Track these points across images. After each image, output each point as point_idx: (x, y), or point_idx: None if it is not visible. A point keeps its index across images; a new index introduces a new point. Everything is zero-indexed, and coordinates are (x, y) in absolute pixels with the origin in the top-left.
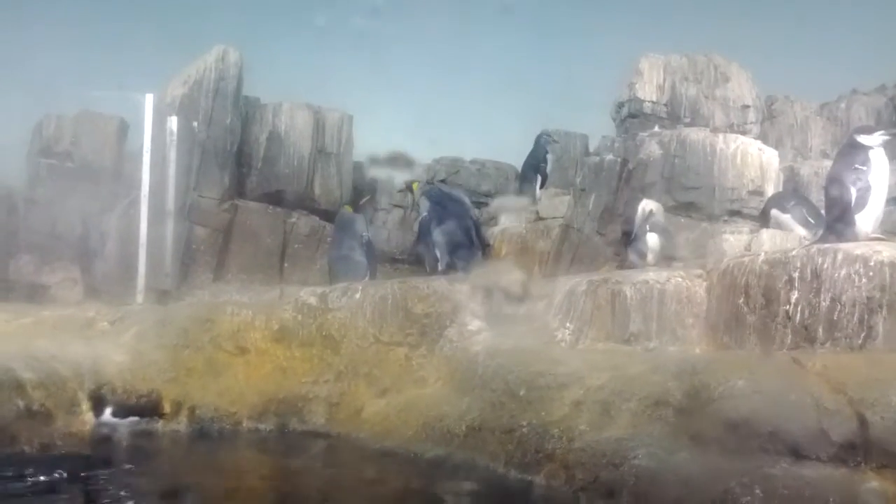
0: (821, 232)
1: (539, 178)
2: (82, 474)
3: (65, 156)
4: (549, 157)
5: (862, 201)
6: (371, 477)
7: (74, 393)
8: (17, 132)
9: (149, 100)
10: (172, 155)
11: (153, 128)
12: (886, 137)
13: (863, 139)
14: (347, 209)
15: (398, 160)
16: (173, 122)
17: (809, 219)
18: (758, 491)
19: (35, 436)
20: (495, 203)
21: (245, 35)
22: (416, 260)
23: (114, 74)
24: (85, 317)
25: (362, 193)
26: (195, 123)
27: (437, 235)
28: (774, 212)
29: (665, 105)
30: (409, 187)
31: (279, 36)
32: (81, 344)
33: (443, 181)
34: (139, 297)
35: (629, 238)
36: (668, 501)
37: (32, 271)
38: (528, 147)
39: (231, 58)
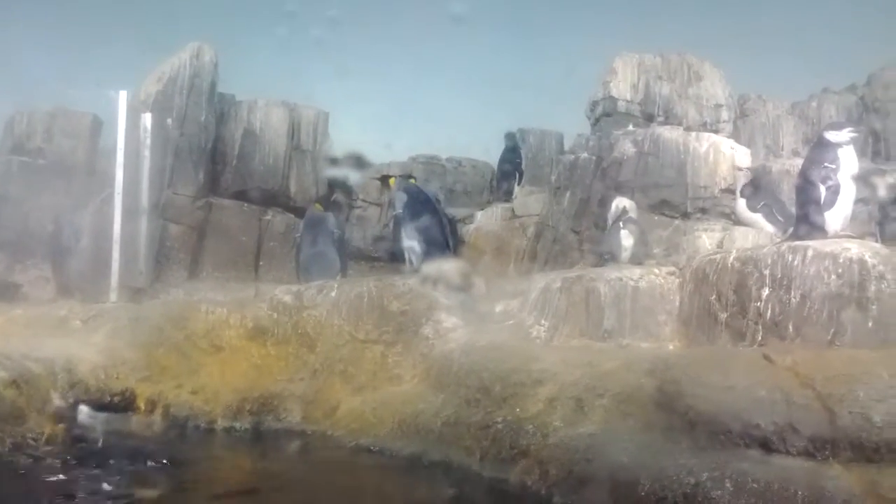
0: (791, 229)
1: (518, 176)
2: (54, 475)
3: (37, 153)
4: (524, 153)
5: (831, 199)
6: (346, 474)
7: (47, 392)
8: None
9: (122, 97)
10: (146, 152)
11: (127, 125)
12: (854, 134)
13: (832, 136)
14: (317, 207)
15: (355, 161)
16: (147, 119)
17: (778, 216)
18: (728, 484)
19: (7, 435)
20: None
21: (220, 32)
22: (393, 257)
23: (87, 71)
24: (57, 315)
25: (332, 191)
26: (169, 120)
27: (412, 232)
28: (742, 205)
29: (639, 104)
30: (384, 182)
31: (255, 33)
32: (54, 342)
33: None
34: (112, 295)
35: (603, 235)
36: (641, 496)
37: (4, 269)
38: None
39: (206, 55)
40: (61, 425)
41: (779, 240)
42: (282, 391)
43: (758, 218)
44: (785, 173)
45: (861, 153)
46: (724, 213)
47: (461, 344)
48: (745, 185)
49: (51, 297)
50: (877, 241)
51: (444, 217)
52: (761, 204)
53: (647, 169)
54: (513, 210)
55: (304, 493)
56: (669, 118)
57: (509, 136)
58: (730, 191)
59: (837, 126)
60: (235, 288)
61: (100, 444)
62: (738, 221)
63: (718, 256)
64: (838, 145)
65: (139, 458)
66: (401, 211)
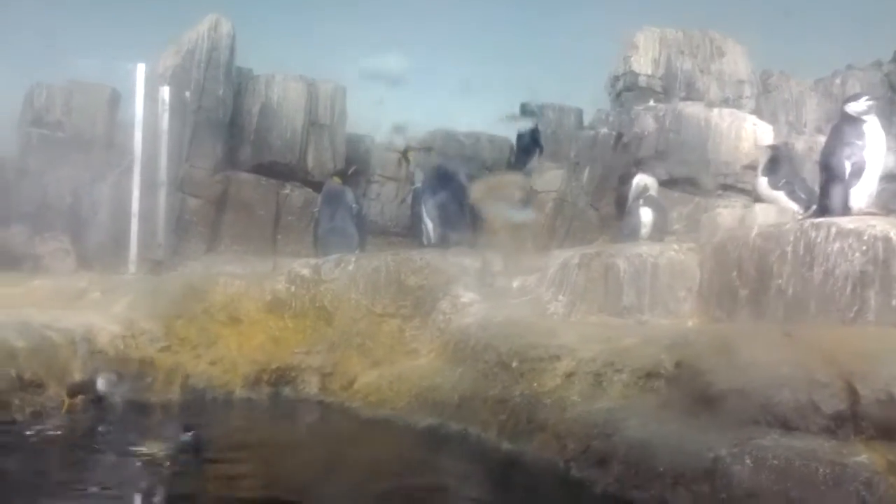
0: (813, 206)
1: (538, 151)
2: (73, 443)
3: (56, 125)
4: (541, 129)
5: (856, 176)
6: (363, 446)
7: (67, 362)
8: (7, 102)
9: (141, 69)
10: (164, 125)
11: (145, 98)
12: (872, 102)
13: (852, 108)
14: (336, 181)
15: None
16: (165, 93)
17: (801, 193)
18: (748, 461)
19: (27, 404)
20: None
21: (238, 5)
22: (410, 232)
23: (106, 44)
24: (77, 286)
25: (350, 164)
26: (187, 94)
27: (431, 207)
28: (764, 184)
29: (660, 79)
30: (404, 156)
31: (272, 6)
32: (74, 313)
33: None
34: (131, 268)
35: (623, 212)
36: (659, 471)
37: (24, 241)
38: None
39: (224, 28)
40: (80, 394)
41: (801, 217)
42: (299, 363)
43: (779, 196)
44: (808, 150)
45: (886, 130)
46: (745, 189)
47: (478, 319)
48: (766, 163)
49: (70, 269)
50: None
51: (464, 193)
52: (782, 182)
53: (668, 145)
54: (531, 186)
55: (321, 464)
56: (691, 94)
57: (524, 107)
58: (752, 167)
59: (855, 97)
60: (253, 261)
61: (119, 413)
62: (759, 199)
63: (740, 233)
64: (863, 121)
65: (157, 427)
66: (419, 185)
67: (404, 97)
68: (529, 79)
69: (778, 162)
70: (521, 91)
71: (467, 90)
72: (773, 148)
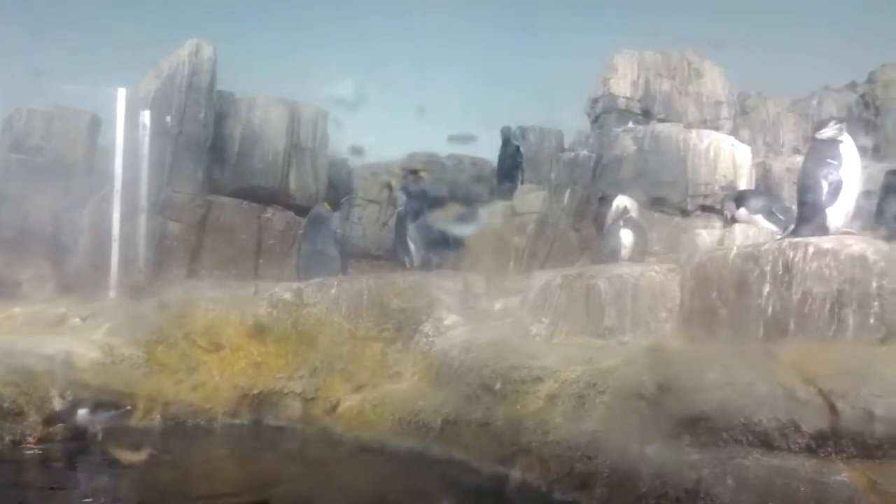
0: (791, 226)
1: (520, 174)
2: (52, 472)
3: (36, 150)
4: (522, 151)
5: (833, 196)
6: (346, 471)
7: (46, 389)
8: None
9: (121, 94)
10: (145, 150)
11: (126, 123)
12: (840, 124)
13: (824, 135)
14: (325, 206)
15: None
16: (146, 117)
17: (778, 214)
18: (730, 481)
19: (6, 432)
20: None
21: (219, 29)
22: (393, 255)
23: (86, 69)
24: (56, 313)
25: (342, 192)
26: (168, 118)
27: (413, 230)
28: (742, 211)
29: (639, 101)
30: (387, 184)
31: (254, 30)
32: (53, 340)
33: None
34: (111, 293)
35: (602, 233)
36: (642, 492)
37: (3, 267)
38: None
39: (205, 52)
40: (60, 422)
41: (780, 236)
42: (282, 388)
43: (758, 219)
44: (785, 170)
45: (861, 151)
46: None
47: (461, 341)
48: (740, 198)
49: (50, 295)
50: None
51: None
52: (759, 205)
53: (647, 166)
54: (513, 208)
55: (303, 491)
56: (669, 115)
57: (504, 131)
58: (730, 188)
59: (823, 124)
60: (235, 286)
61: (99, 441)
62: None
63: (719, 253)
64: (839, 141)
65: (135, 456)
66: (402, 208)
67: (385, 119)
68: (510, 101)
69: (752, 194)
70: (502, 113)
71: (447, 112)
72: (742, 191)
